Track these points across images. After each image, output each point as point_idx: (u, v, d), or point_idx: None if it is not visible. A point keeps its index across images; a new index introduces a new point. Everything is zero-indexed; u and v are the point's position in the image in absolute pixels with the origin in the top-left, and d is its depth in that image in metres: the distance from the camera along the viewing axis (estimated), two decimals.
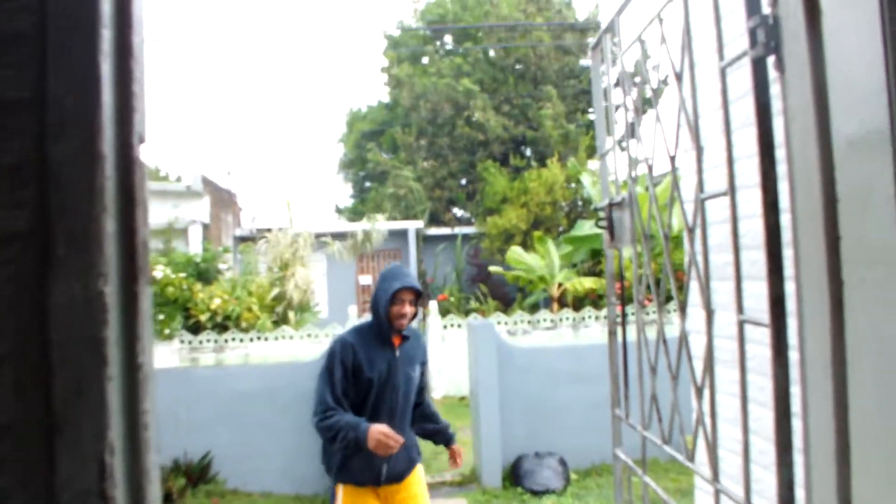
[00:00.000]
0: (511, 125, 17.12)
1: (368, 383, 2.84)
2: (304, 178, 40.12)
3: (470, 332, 6.10)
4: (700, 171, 1.20)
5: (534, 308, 11.70)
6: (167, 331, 7.99)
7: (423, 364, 3.15)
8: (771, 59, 1.00)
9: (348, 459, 2.88)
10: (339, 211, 21.97)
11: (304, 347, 8.67)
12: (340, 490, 2.97)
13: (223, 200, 13.87)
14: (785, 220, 1.02)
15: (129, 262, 0.71)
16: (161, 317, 8.00)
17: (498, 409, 5.68)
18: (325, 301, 13.41)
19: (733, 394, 1.75)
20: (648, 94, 1.57)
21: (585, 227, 12.17)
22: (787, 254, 1.07)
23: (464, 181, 18.30)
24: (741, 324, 1.07)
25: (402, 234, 14.53)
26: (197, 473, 5.53)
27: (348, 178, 22.20)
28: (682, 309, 1.32)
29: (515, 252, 11.86)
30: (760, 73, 1.00)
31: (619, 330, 1.75)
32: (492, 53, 18.21)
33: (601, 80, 1.89)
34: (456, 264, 15.66)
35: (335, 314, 11.82)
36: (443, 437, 3.28)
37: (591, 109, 18.62)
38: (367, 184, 21.64)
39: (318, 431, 2.84)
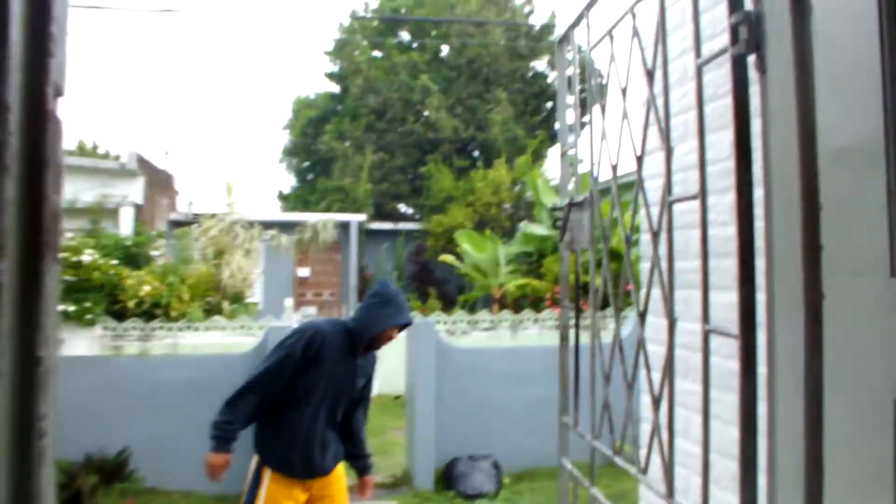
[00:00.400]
0: (461, 126, 17.10)
1: (322, 380, 2.84)
2: (246, 163, 39.12)
3: (409, 330, 6.01)
4: (669, 172, 1.16)
5: (473, 308, 11.72)
6: (89, 316, 7.56)
7: (370, 378, 3.16)
8: (752, 58, 0.95)
9: (285, 448, 2.89)
10: (282, 198, 21.46)
11: (237, 340, 8.39)
12: (267, 475, 2.91)
13: (159, 182, 13.30)
14: (757, 227, 0.98)
15: (33, 235, 0.60)
16: (87, 304, 7.56)
17: (434, 409, 5.61)
18: (261, 292, 13.05)
19: (684, 405, 1.74)
20: (615, 91, 1.52)
21: (530, 229, 12.27)
22: (758, 263, 1.03)
23: (410, 177, 18.19)
24: (707, 334, 1.03)
25: (343, 227, 14.29)
26: (111, 470, 5.22)
27: (292, 167, 21.71)
28: (642, 316, 1.27)
29: (467, 235, 11.86)
30: (740, 72, 0.95)
31: (572, 334, 1.70)
32: (445, 52, 18.18)
33: (565, 75, 1.83)
34: (397, 261, 15.54)
35: (270, 306, 11.50)
36: (361, 464, 3.24)
37: (540, 113, 18.84)
38: (310, 175, 21.23)
39: (225, 404, 2.84)
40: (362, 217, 15.09)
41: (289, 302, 9.74)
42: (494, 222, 14.53)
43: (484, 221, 14.41)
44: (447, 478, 5.33)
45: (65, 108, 0.68)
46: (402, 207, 18.92)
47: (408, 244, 15.92)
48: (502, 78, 17.53)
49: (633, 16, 1.33)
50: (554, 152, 18.80)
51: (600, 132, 1.51)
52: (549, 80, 18.61)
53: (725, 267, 1.48)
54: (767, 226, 0.91)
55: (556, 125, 1.90)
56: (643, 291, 1.31)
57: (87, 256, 7.64)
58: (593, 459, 1.53)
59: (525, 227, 12.40)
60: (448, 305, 12.48)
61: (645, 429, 1.67)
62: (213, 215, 9.60)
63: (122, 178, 11.91)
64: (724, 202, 1.46)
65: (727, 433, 1.46)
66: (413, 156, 17.62)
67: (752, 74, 0.97)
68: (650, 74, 1.26)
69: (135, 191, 12.02)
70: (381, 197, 17.51)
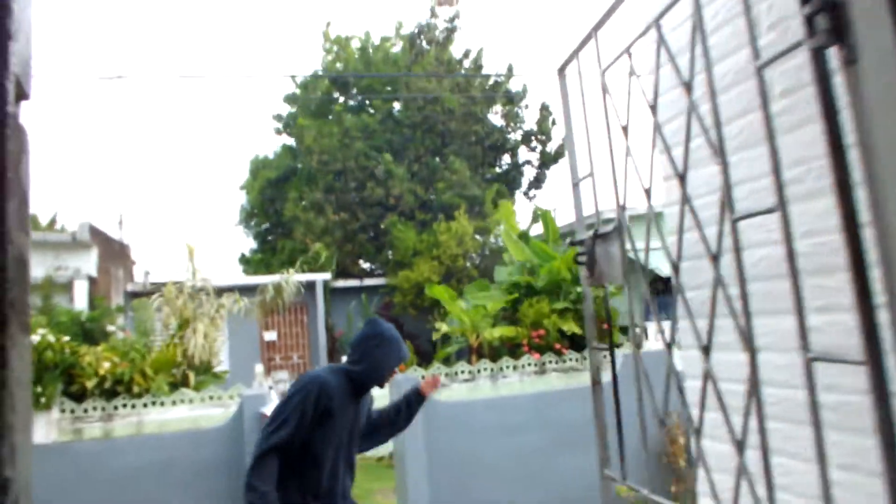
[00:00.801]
0: (420, 190, 17.11)
1: (334, 432, 2.81)
2: (203, 228, 38.41)
3: (392, 387, 5.76)
4: (728, 188, 1.05)
5: (448, 360, 11.49)
6: (43, 399, 7.06)
7: (370, 409, 3.22)
8: (833, 50, 0.85)
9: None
10: (244, 261, 20.97)
11: (206, 412, 7.95)
12: None
13: (113, 252, 12.83)
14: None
15: None
16: (39, 388, 7.07)
17: (426, 467, 5.34)
18: (227, 360, 12.56)
19: (751, 446, 1.59)
20: (635, 112, 1.43)
21: (503, 274, 12.22)
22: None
23: (372, 235, 18.03)
24: (810, 363, 0.90)
25: (309, 287, 13.97)
26: None
27: (251, 229, 21.31)
28: (706, 350, 1.14)
29: (442, 290, 11.69)
30: (821, 66, 0.85)
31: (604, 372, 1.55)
32: (397, 109, 18.31)
33: (569, 103, 1.74)
34: (364, 318, 15.23)
35: (238, 374, 11.05)
36: (405, 395, 3.25)
37: (497, 165, 19.03)
38: (271, 237, 20.86)
39: (251, 471, 2.68)
40: (327, 276, 14.82)
41: (259, 368, 9.34)
42: (461, 273, 14.44)
43: (450, 273, 14.30)
44: None
45: (29, 117, 0.52)
46: (367, 265, 18.68)
47: (375, 301, 15.65)
48: (457, 133, 17.71)
49: (659, 27, 1.25)
50: (518, 204, 18.98)
51: (624, 154, 1.40)
52: (507, 134, 18.90)
53: (782, 289, 1.37)
54: (880, 233, 0.79)
55: (566, 156, 1.77)
56: (698, 322, 1.18)
57: (37, 336, 7.19)
58: None
59: (497, 272, 12.35)
60: (423, 359, 12.21)
61: (720, 479, 1.51)
62: (176, 283, 9.23)
63: (73, 250, 11.46)
64: (772, 218, 1.36)
65: (813, 476, 1.32)
66: (374, 214, 17.51)
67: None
68: (687, 86, 1.16)
69: (88, 263, 11.56)
70: (345, 257, 17.26)
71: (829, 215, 1.22)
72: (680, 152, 1.38)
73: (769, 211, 0.97)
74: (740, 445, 1.05)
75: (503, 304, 10.92)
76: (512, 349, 10.13)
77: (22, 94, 0.48)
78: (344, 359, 3.11)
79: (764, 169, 1.38)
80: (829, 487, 0.87)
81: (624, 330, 11.49)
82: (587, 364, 9.04)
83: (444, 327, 10.95)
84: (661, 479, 5.51)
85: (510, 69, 18.62)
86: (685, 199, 1.17)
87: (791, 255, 0.92)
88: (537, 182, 19.35)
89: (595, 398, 1.62)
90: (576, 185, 1.70)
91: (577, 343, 10.61)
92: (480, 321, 10.83)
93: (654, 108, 1.29)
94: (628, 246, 1.41)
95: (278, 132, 20.00)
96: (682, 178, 1.20)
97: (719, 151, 1.07)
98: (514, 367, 9.63)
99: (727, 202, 1.05)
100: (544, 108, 18.67)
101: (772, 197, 1.40)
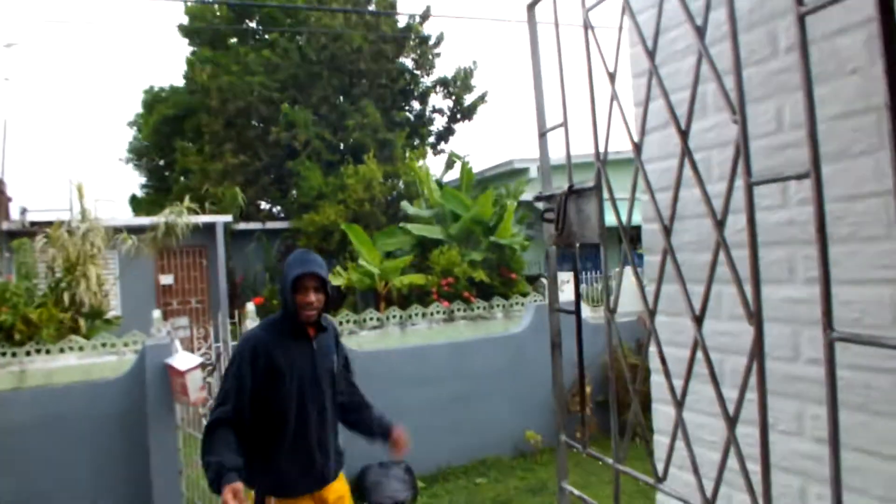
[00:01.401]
0: (328, 135, 16.40)
1: (290, 382, 2.62)
2: (86, 165, 35.42)
3: None
4: (746, 147, 0.96)
5: (355, 307, 11.37)
6: None
7: (343, 355, 2.93)
8: None
9: (281, 465, 2.64)
10: (134, 202, 19.60)
11: (100, 360, 7.43)
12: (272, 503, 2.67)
13: None
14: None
15: None
16: None
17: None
18: (119, 305, 11.80)
19: (703, 412, 1.58)
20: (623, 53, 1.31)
21: (413, 215, 12.19)
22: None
23: (275, 176, 17.24)
24: (832, 343, 0.84)
25: (209, 229, 13.25)
26: None
27: (142, 166, 19.89)
28: (699, 319, 1.07)
29: (353, 230, 11.47)
30: (886, 4, 0.76)
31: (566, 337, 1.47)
32: (302, 43, 17.30)
33: (538, 42, 1.60)
34: (267, 262, 14.72)
35: (133, 320, 10.39)
36: (381, 424, 2.96)
37: (406, 110, 18.60)
38: (166, 173, 19.58)
39: (201, 449, 2.55)
40: (228, 218, 14.11)
41: (157, 313, 8.83)
42: (368, 218, 14.17)
43: (357, 218, 14.00)
44: (359, 489, 4.99)
45: None
46: (270, 207, 17.92)
47: (277, 243, 15.12)
48: (366, 74, 17.04)
49: None
50: (431, 152, 18.70)
51: (610, 100, 1.28)
52: (419, 79, 18.44)
53: (774, 257, 1.33)
54: None
55: (534, 99, 1.63)
56: (693, 288, 1.11)
57: None
58: (617, 487, 1.31)
59: (406, 207, 12.24)
60: (330, 305, 11.99)
61: (681, 446, 1.48)
62: (62, 223, 8.43)
63: None
64: (772, 185, 1.30)
65: (785, 445, 1.31)
66: (278, 155, 16.69)
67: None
68: (699, 30, 1.05)
69: None
70: (248, 199, 16.45)
71: (832, 184, 1.18)
72: (679, 99, 1.28)
73: (800, 176, 0.89)
74: (733, 421, 1.00)
75: (411, 259, 10.84)
76: (421, 297, 10.12)
77: None
78: None
79: (759, 130, 1.31)
80: (839, 472, 0.83)
81: (531, 280, 11.76)
82: (493, 313, 9.17)
83: (352, 276, 10.74)
84: (569, 425, 5.73)
85: (427, 10, 18.05)
86: (688, 154, 1.08)
87: (822, 225, 0.85)
88: (447, 133, 19.14)
89: (554, 362, 1.55)
90: (543, 135, 1.58)
91: (484, 291, 10.75)
92: (389, 269, 10.72)
93: (653, 51, 1.17)
94: (608, 202, 1.32)
95: (176, 65, 18.55)
96: (684, 132, 1.10)
97: (738, 102, 0.97)
98: (423, 315, 9.65)
99: (745, 162, 0.96)
100: (466, 68, 18.32)
101: (769, 160, 1.35)
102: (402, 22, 17.83)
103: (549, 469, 5.53)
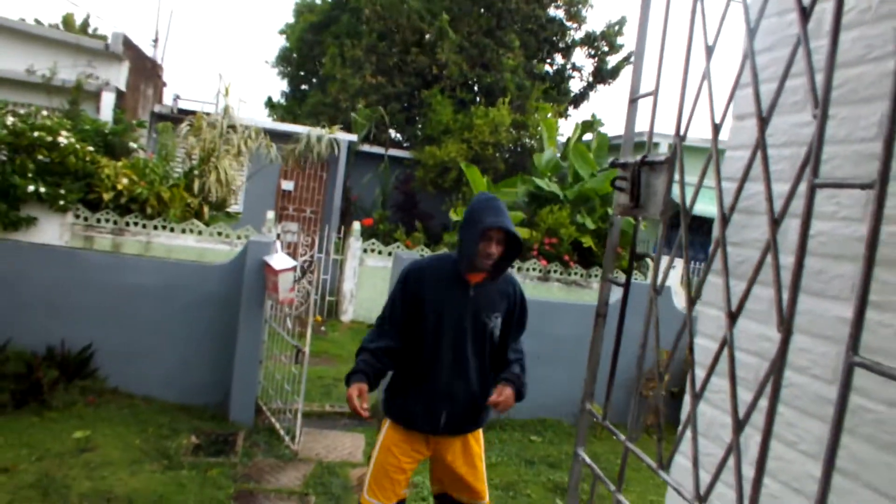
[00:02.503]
0: (468, 69, 16.30)
1: (431, 320, 2.59)
2: (236, 65, 37.54)
3: (396, 262, 5.77)
4: (820, 146, 0.89)
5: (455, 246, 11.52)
6: (61, 202, 7.16)
7: (512, 313, 2.71)
8: None
9: (406, 397, 2.69)
10: (270, 105, 20.64)
11: (213, 246, 8.08)
12: (387, 426, 2.76)
13: (145, 70, 12.56)
14: None
15: None
16: (62, 190, 7.14)
17: None
18: (242, 202, 12.65)
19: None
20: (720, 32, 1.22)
21: (541, 160, 12.14)
22: None
23: (406, 105, 17.49)
24: (851, 367, 0.78)
25: (333, 146, 13.76)
26: (73, 366, 5.01)
27: (286, 73, 20.79)
28: (733, 317, 1.02)
29: (472, 171, 11.68)
30: None
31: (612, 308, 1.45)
32: None
33: (649, 7, 1.52)
34: (383, 187, 15.12)
35: (251, 217, 11.16)
36: (497, 381, 2.67)
37: (549, 60, 18.11)
38: (304, 85, 20.37)
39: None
40: (353, 137, 14.57)
41: (270, 214, 9.41)
42: (489, 163, 14.12)
43: (478, 160, 13.99)
44: None
45: None
46: (395, 135, 18.29)
47: (396, 171, 15.46)
48: (515, 15, 16.68)
49: None
50: (566, 107, 18.18)
51: (700, 79, 1.21)
52: (564, 29, 17.82)
53: (835, 272, 1.23)
54: None
55: (631, 72, 1.56)
56: (737, 285, 1.06)
57: (64, 139, 7.16)
58: (624, 462, 1.31)
59: (537, 158, 12.16)
60: (432, 241, 12.25)
61: (705, 444, 1.45)
62: (207, 114, 9.07)
63: (105, 59, 11.21)
64: (856, 194, 1.19)
65: (801, 466, 1.25)
66: (413, 84, 16.88)
67: None
68: (804, 11, 0.97)
69: (118, 75, 11.35)
70: (375, 121, 16.86)
71: None
72: (764, 90, 1.20)
73: (864, 186, 0.82)
74: (740, 424, 0.97)
75: (521, 218, 10.80)
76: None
77: None
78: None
79: (858, 134, 1.19)
80: (826, 498, 0.79)
81: (638, 258, 11.39)
82: (590, 282, 9.01)
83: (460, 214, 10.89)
84: (639, 410, 5.61)
85: None
86: (762, 147, 1.01)
87: (873, 242, 0.79)
88: (582, 97, 18.50)
89: (595, 331, 1.53)
90: (633, 101, 1.52)
91: (586, 259, 10.55)
92: None
93: (753, 31, 1.09)
94: (678, 180, 1.26)
95: None
96: (763, 121, 1.03)
97: (822, 99, 0.90)
98: (519, 269, 9.65)
99: (814, 162, 0.89)
100: (615, 23, 17.46)
101: (857, 168, 1.24)
102: None
103: (606, 444, 5.50)
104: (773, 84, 1.18)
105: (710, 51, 1.21)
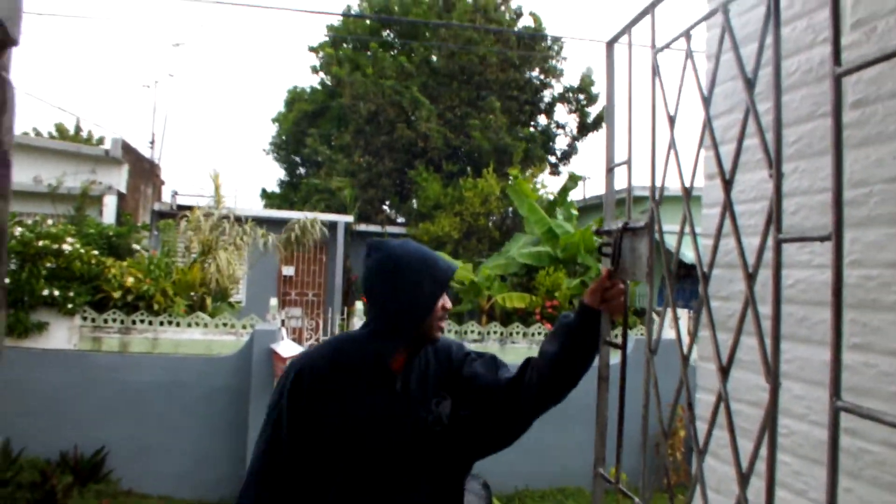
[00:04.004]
0: (451, 136, 16.82)
1: (343, 442, 1.59)
2: (231, 156, 38.58)
3: None
4: (779, 203, 0.96)
5: (460, 319, 11.54)
6: (70, 305, 7.25)
7: (458, 375, 1.71)
8: None
9: None
10: (266, 196, 21.09)
11: (219, 338, 8.10)
12: None
13: (144, 171, 12.94)
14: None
15: None
16: (71, 293, 7.26)
17: None
18: (244, 291, 12.74)
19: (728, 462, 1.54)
20: (687, 97, 1.32)
21: (520, 242, 12.13)
22: None
23: (397, 181, 17.90)
24: (838, 411, 0.82)
25: (331, 228, 14.01)
26: (87, 470, 4.96)
27: (280, 160, 21.35)
28: (725, 371, 1.07)
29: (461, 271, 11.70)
30: None
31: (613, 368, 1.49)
32: (435, 57, 17.89)
33: (614, 79, 1.63)
34: None
35: (253, 305, 11.21)
36: (563, 325, 1.65)
37: (532, 124, 18.64)
38: (302, 170, 20.89)
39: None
40: (349, 218, 14.83)
41: (273, 301, 9.46)
42: (482, 233, 14.34)
43: (471, 231, 14.21)
44: None
45: (17, 69, 0.46)
46: (390, 212, 18.61)
47: None
48: (495, 86, 17.31)
49: (727, 12, 1.13)
50: (552, 164, 18.60)
51: (667, 146, 1.30)
52: (543, 90, 18.47)
53: (817, 318, 1.28)
54: None
55: (604, 133, 1.65)
56: (728, 338, 1.10)
57: (68, 245, 7.33)
58: None
59: (516, 238, 12.26)
60: None
61: (716, 498, 1.46)
62: (203, 209, 9.29)
63: (106, 164, 11.56)
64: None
65: None
66: (401, 160, 17.34)
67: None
68: (748, 82, 1.06)
69: (119, 179, 11.68)
70: (368, 201, 17.21)
71: (883, 247, 1.13)
72: (728, 150, 1.28)
73: (822, 238, 0.88)
74: (745, 478, 0.99)
75: (501, 269, 10.85)
76: (524, 317, 10.11)
77: (7, 41, 0.42)
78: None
79: (818, 184, 1.27)
80: None
81: (637, 313, 11.41)
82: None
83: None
84: (654, 468, 5.49)
85: (539, 23, 18.09)
86: (728, 206, 1.08)
87: (838, 290, 0.84)
88: (568, 155, 18.96)
89: (600, 394, 1.57)
90: (610, 171, 1.60)
91: None
92: (494, 286, 10.83)
93: (707, 99, 1.18)
94: (658, 239, 1.33)
95: (314, 70, 19.76)
96: (728, 182, 1.10)
97: (775, 160, 0.97)
98: (524, 335, 9.63)
99: (776, 219, 0.96)
100: (586, 74, 18.12)
101: (824, 217, 1.31)
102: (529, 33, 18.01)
103: None
104: (736, 144, 1.26)
105: (672, 120, 1.30)
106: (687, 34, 1.27)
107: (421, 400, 1.66)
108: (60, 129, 18.84)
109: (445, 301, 1.70)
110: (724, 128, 1.52)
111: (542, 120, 18.93)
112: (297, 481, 1.60)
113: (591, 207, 13.84)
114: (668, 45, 1.33)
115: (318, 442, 1.59)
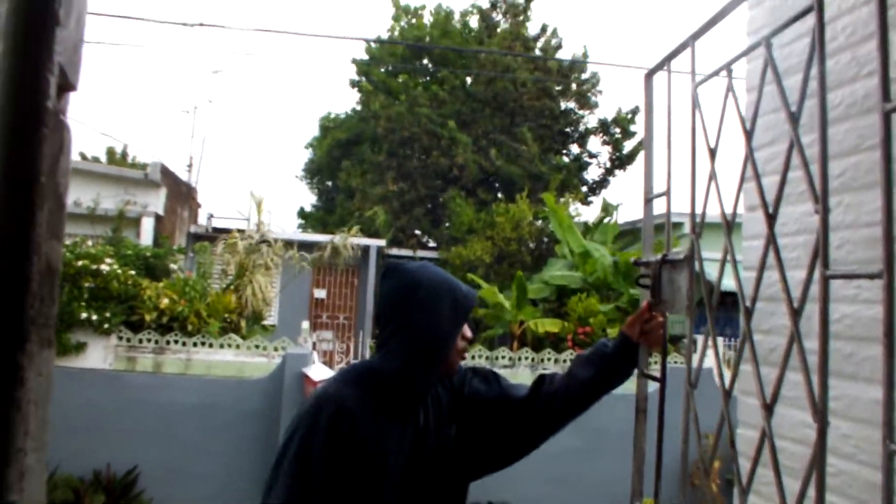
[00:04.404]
0: (485, 163, 16.91)
1: (377, 483, 1.51)
2: (265, 179, 39.31)
3: None
4: (826, 238, 0.94)
5: (491, 344, 11.47)
6: (106, 325, 7.41)
7: (472, 403, 1.67)
8: None
9: None
10: (303, 216, 21.38)
11: (251, 360, 8.18)
12: None
13: (181, 194, 13.26)
14: None
15: (14, 309, 0.40)
16: (108, 314, 7.44)
17: None
18: (276, 313, 12.87)
19: None
20: (728, 131, 1.32)
21: (556, 267, 12.06)
22: None
23: (430, 206, 18.02)
24: (891, 455, 0.80)
25: (363, 252, 14.12)
26: (119, 490, 5.01)
27: (314, 185, 21.66)
28: (769, 408, 1.04)
29: (491, 293, 11.60)
30: None
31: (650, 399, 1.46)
32: (469, 82, 18.07)
33: (653, 111, 1.63)
34: None
35: (286, 327, 11.31)
36: (599, 351, 1.67)
37: (565, 152, 18.64)
38: (333, 195, 21.17)
39: None
40: (382, 242, 14.94)
41: (305, 324, 9.53)
42: (514, 258, 14.30)
43: (503, 256, 14.19)
44: None
45: (75, 111, 0.48)
46: (421, 237, 18.71)
47: None
48: (530, 113, 17.37)
49: (769, 46, 1.13)
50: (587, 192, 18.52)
51: (707, 178, 1.29)
52: (578, 122, 18.47)
53: (865, 354, 1.25)
54: None
55: (639, 165, 1.66)
56: (771, 373, 1.08)
57: (106, 266, 7.52)
58: None
59: (551, 263, 12.20)
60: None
61: None
62: (240, 232, 9.47)
63: (144, 187, 11.88)
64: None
65: None
66: (434, 186, 17.46)
67: None
68: (793, 117, 1.05)
69: (157, 201, 11.98)
70: (400, 228, 17.33)
71: None
72: (768, 183, 1.27)
73: (873, 276, 0.86)
74: None
75: (535, 293, 10.78)
76: (555, 343, 10.01)
77: (67, 86, 0.44)
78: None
79: (863, 218, 1.25)
80: None
81: (671, 340, 11.21)
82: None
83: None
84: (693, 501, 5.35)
85: (585, 54, 18.12)
86: (772, 240, 1.07)
87: (890, 330, 0.82)
88: (602, 183, 18.83)
89: (637, 427, 1.54)
90: (648, 201, 1.60)
91: None
92: (525, 311, 10.76)
93: (749, 133, 1.18)
94: (698, 271, 1.32)
95: (352, 84, 19.99)
96: (771, 216, 1.09)
97: (822, 194, 0.96)
98: (556, 361, 9.52)
99: (822, 254, 0.94)
100: (628, 112, 18.03)
101: (869, 251, 1.28)
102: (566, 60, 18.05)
103: None
104: (778, 176, 1.25)
105: (713, 153, 1.29)
106: (728, 68, 1.27)
107: (437, 430, 1.62)
108: (111, 153, 19.56)
109: (466, 331, 1.63)
110: (765, 160, 1.50)
111: (574, 148, 18.91)
112: None
113: (623, 234, 13.73)
114: (707, 79, 1.33)
115: (352, 488, 1.49)
